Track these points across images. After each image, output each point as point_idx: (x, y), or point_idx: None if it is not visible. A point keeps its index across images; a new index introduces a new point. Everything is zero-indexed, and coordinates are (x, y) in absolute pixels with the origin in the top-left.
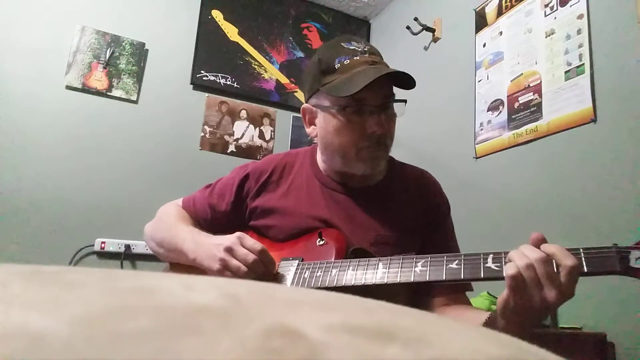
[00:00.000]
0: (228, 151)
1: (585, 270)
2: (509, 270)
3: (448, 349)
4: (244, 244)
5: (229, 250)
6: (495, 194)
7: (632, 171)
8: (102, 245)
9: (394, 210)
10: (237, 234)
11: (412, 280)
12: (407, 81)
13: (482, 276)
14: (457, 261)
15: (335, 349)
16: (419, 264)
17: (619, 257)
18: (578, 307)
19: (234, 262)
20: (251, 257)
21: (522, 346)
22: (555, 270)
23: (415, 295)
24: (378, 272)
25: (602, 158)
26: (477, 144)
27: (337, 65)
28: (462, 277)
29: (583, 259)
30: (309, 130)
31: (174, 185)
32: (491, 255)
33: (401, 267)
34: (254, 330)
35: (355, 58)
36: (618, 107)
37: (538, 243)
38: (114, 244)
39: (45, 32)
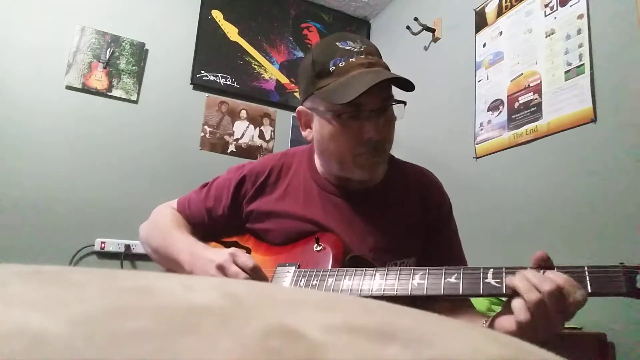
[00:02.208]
0: (228, 151)
1: (590, 291)
2: (520, 312)
3: (448, 349)
4: (236, 262)
5: (221, 268)
6: (495, 194)
7: (632, 171)
8: (102, 245)
9: (394, 213)
10: (231, 250)
11: (409, 294)
12: (406, 82)
13: (481, 292)
14: (456, 275)
15: (335, 349)
16: (417, 276)
17: (625, 278)
18: None
19: None
20: (242, 276)
21: (522, 346)
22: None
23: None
24: (375, 283)
25: (602, 158)
26: (477, 144)
27: (331, 68)
28: (461, 292)
29: (587, 278)
30: (304, 133)
31: (174, 185)
32: (491, 270)
33: (398, 279)
34: (254, 330)
35: (351, 60)
36: (618, 107)
37: (542, 263)
38: (114, 244)
39: (45, 32)
